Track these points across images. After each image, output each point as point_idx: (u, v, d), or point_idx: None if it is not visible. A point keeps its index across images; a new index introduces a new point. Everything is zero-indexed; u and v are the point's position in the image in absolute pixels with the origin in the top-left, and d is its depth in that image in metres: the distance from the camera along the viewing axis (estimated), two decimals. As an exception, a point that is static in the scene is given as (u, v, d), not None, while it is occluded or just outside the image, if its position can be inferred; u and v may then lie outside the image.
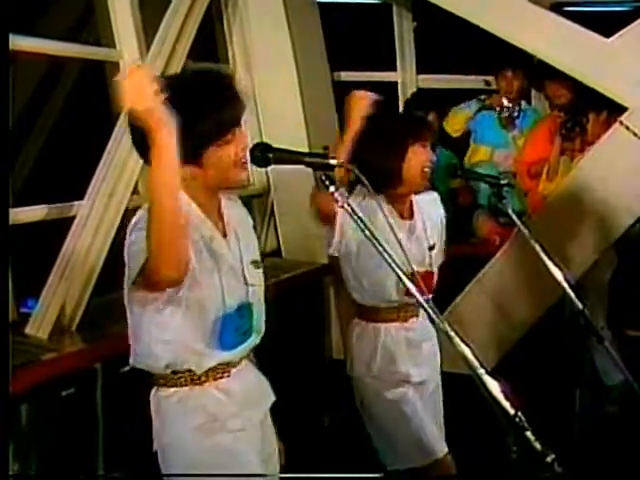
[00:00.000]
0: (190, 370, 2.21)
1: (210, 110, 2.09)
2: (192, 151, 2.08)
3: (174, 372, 2.22)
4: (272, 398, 2.41)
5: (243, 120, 2.18)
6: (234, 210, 2.33)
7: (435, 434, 3.09)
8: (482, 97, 5.33)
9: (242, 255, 2.27)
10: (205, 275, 2.16)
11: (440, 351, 3.18)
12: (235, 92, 2.15)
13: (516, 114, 5.23)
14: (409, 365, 3.11)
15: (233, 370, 2.27)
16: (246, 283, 2.26)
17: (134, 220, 2.11)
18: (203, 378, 2.23)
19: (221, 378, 2.25)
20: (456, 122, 5.35)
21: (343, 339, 3.54)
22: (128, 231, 2.11)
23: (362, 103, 2.92)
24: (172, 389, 2.23)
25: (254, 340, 2.31)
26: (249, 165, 2.18)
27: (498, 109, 5.25)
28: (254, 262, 2.30)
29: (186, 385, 2.22)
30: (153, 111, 1.82)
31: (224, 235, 2.24)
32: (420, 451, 3.04)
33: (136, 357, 2.25)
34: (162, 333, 2.16)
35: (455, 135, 5.37)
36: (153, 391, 2.28)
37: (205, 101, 2.09)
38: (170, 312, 2.14)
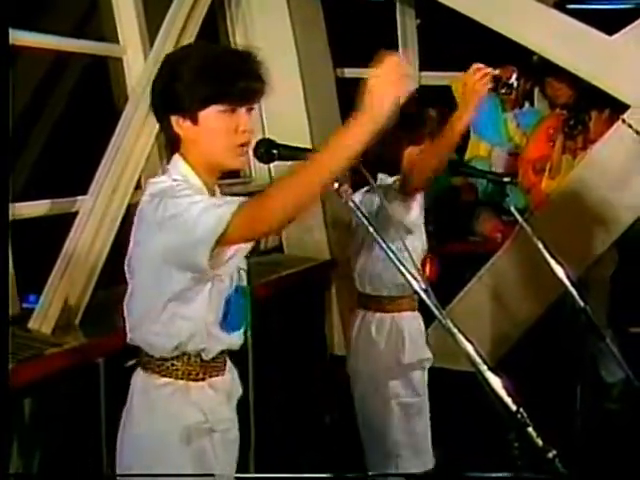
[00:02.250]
0: (190, 358, 2.13)
1: (225, 69, 2.07)
2: (193, 103, 2.07)
3: (174, 357, 2.12)
4: (240, 391, 2.32)
5: (252, 109, 2.13)
6: None
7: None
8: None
9: None
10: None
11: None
12: (258, 72, 2.11)
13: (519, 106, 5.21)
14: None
15: (226, 367, 2.22)
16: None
17: (154, 191, 2.04)
18: (201, 374, 2.16)
19: (216, 376, 2.18)
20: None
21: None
22: (162, 202, 2.00)
23: (480, 83, 2.77)
24: (165, 379, 2.14)
25: (246, 328, 2.26)
26: (248, 154, 2.13)
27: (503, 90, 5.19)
28: None
29: (182, 379, 2.14)
30: (391, 102, 1.83)
31: None
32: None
33: (141, 333, 2.13)
34: (187, 309, 2.08)
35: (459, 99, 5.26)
36: (140, 374, 2.17)
37: (225, 60, 2.10)
38: (199, 289, 2.08)
